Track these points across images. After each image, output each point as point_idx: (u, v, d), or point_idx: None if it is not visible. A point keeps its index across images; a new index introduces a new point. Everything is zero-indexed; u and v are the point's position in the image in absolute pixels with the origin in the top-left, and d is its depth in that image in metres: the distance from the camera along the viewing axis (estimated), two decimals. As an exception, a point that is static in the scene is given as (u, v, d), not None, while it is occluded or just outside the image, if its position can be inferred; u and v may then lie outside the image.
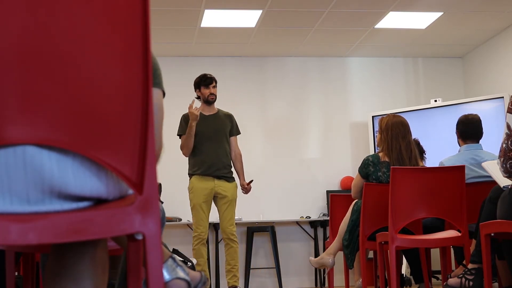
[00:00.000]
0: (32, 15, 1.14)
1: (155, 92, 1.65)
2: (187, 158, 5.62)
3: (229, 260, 5.53)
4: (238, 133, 5.70)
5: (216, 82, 5.58)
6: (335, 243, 4.66)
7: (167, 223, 7.13)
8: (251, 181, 5.68)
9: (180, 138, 5.54)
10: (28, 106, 1.16)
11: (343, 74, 8.20)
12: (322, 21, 6.81)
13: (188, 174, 5.59)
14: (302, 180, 7.85)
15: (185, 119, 5.54)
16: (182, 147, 5.50)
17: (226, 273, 5.57)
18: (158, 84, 1.69)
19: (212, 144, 5.45)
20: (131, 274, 1.43)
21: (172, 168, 7.37)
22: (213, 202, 5.56)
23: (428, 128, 7.21)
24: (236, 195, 5.55)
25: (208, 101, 5.53)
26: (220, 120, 5.58)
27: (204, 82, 5.55)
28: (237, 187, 5.59)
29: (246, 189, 5.69)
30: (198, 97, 5.61)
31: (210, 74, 5.61)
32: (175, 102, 7.60)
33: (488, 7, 6.63)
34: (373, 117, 7.67)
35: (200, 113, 5.51)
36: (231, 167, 5.59)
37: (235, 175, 5.63)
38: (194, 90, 5.63)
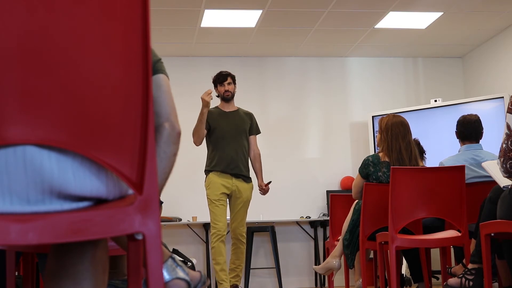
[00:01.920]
0: (32, 15, 1.14)
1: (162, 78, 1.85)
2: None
3: (234, 259, 5.45)
4: (258, 132, 5.66)
5: (232, 78, 5.54)
6: (339, 245, 4.64)
7: (167, 223, 7.13)
8: (269, 182, 5.63)
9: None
10: (28, 106, 1.16)
11: (343, 74, 8.20)
12: (322, 21, 6.81)
13: (205, 171, 5.52)
14: (302, 180, 7.85)
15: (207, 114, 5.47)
16: (193, 134, 5.41)
17: (229, 271, 5.45)
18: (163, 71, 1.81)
19: (231, 141, 5.40)
20: (131, 274, 1.43)
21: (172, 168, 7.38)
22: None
23: (428, 128, 7.21)
24: (251, 196, 5.51)
25: (224, 98, 5.51)
26: (240, 117, 5.54)
27: (218, 80, 5.53)
28: (253, 188, 5.54)
29: (264, 190, 5.64)
30: (218, 96, 5.61)
31: (226, 71, 5.57)
32: (176, 102, 7.63)
33: (488, 7, 6.63)
34: (373, 117, 7.67)
35: (220, 109, 5.52)
36: (249, 166, 5.54)
37: (252, 175, 5.57)
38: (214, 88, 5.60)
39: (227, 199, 5.47)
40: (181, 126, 7.01)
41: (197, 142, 5.43)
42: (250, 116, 5.62)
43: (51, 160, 1.20)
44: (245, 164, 5.46)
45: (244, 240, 5.45)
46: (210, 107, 5.46)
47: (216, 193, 5.36)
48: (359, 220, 4.32)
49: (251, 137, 5.58)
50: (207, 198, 5.43)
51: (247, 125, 5.54)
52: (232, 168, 5.38)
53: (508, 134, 2.89)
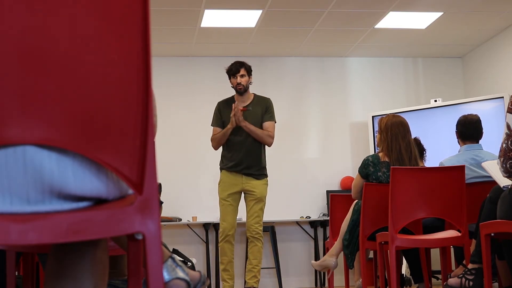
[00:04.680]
0: (32, 15, 1.14)
1: None
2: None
3: (251, 259, 5.29)
4: (272, 119, 5.32)
5: (246, 69, 5.28)
6: (337, 244, 4.64)
7: (167, 223, 7.14)
8: (248, 106, 5.27)
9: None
10: (28, 106, 1.16)
11: (343, 74, 8.20)
12: (322, 21, 6.81)
13: (219, 167, 5.42)
14: (302, 180, 7.85)
15: (219, 109, 5.36)
16: (212, 139, 5.33)
17: (246, 272, 5.35)
18: None
19: (241, 139, 5.22)
20: (131, 274, 1.43)
21: (172, 168, 7.38)
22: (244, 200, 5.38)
23: (428, 128, 7.21)
24: (265, 192, 5.32)
25: (237, 91, 5.29)
26: (253, 111, 5.28)
27: (230, 72, 5.30)
28: (266, 184, 5.37)
29: (237, 111, 5.14)
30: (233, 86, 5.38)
31: (240, 62, 5.33)
32: (176, 102, 7.64)
33: (488, 7, 6.63)
34: (373, 117, 7.67)
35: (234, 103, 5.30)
36: (264, 163, 5.36)
37: (268, 172, 5.42)
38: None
39: (240, 198, 5.36)
40: (181, 126, 7.01)
41: (215, 148, 5.39)
42: (265, 103, 5.34)
43: (51, 160, 1.20)
44: (256, 162, 5.27)
45: (260, 238, 5.28)
46: (226, 97, 5.38)
47: (224, 192, 5.28)
48: (359, 220, 4.32)
49: (263, 124, 5.28)
50: (218, 195, 5.36)
51: (259, 117, 5.27)
52: (241, 169, 5.25)
53: (508, 134, 2.89)
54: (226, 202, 5.26)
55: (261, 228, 5.32)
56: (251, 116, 5.27)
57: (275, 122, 5.39)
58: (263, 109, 5.32)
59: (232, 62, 5.40)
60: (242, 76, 5.27)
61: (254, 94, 5.41)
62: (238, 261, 7.39)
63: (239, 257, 7.43)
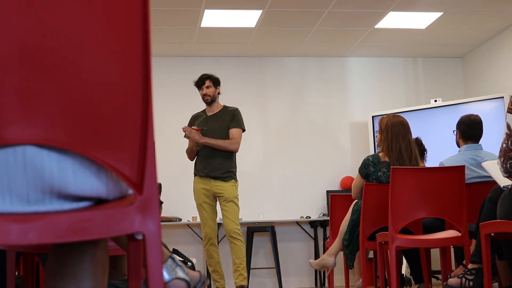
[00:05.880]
0: (32, 14, 1.14)
1: None
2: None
3: (234, 259, 5.41)
4: (238, 126, 5.49)
5: (213, 81, 5.54)
6: (336, 244, 4.65)
7: (167, 223, 7.13)
8: (201, 129, 5.42)
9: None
10: (28, 106, 1.16)
11: (343, 74, 8.20)
12: (322, 21, 6.81)
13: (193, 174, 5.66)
14: (302, 180, 7.84)
15: (191, 122, 5.63)
16: (186, 152, 5.61)
17: (233, 273, 5.46)
18: None
19: (209, 146, 5.42)
20: (131, 274, 1.43)
21: (172, 168, 7.37)
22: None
23: (428, 128, 7.21)
24: (234, 193, 5.45)
25: (205, 101, 5.59)
26: (220, 119, 5.51)
27: (196, 84, 5.62)
28: (235, 185, 5.49)
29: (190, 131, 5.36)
30: None
31: (205, 74, 5.60)
32: (176, 103, 7.64)
33: (488, 7, 6.63)
34: (373, 117, 7.67)
35: (204, 113, 5.62)
36: (231, 167, 5.51)
37: (238, 174, 5.58)
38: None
39: (215, 200, 5.54)
40: (181, 126, 6.98)
41: (190, 159, 5.63)
42: (232, 112, 5.53)
43: (51, 160, 1.20)
44: (223, 167, 5.43)
45: (238, 237, 5.38)
46: (199, 111, 5.69)
47: (198, 198, 5.52)
48: (359, 220, 4.32)
49: (229, 131, 5.46)
50: (195, 202, 5.59)
51: (226, 124, 5.48)
52: (208, 172, 5.44)
53: (508, 134, 2.89)
54: (202, 207, 5.49)
55: (238, 227, 5.43)
56: (219, 123, 5.48)
57: (243, 130, 5.54)
58: (229, 118, 5.51)
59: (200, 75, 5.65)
60: (208, 87, 5.54)
61: (224, 105, 5.63)
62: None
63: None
